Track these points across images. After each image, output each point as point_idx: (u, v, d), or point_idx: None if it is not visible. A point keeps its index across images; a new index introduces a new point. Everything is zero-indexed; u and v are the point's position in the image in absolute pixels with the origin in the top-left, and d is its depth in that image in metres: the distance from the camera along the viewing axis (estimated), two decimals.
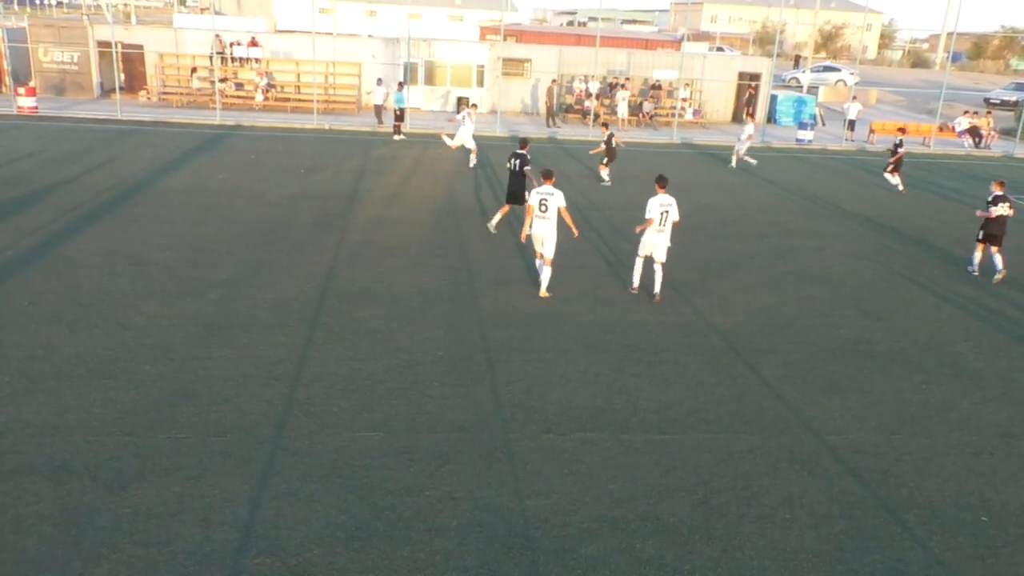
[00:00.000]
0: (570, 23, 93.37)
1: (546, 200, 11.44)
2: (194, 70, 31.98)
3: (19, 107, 27.39)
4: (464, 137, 21.47)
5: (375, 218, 15.86)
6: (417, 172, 21.10)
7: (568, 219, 11.54)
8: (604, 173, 20.71)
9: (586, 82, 33.89)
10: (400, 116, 26.84)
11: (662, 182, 11.69)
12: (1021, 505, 7.07)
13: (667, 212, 11.51)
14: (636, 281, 12.07)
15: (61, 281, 11.27)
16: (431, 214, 16.48)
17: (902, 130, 24.62)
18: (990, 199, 13.91)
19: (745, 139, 24.56)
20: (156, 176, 18.69)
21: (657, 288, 11.80)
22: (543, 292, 11.71)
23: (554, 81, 32.98)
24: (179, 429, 7.49)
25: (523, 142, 14.96)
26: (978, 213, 14.23)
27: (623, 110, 32.98)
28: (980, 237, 14.09)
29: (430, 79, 34.23)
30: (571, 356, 9.71)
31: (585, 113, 32.84)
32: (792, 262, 14.43)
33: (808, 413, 8.58)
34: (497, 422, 7.99)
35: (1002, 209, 13.71)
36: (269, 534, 6.09)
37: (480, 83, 34.41)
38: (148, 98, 32.12)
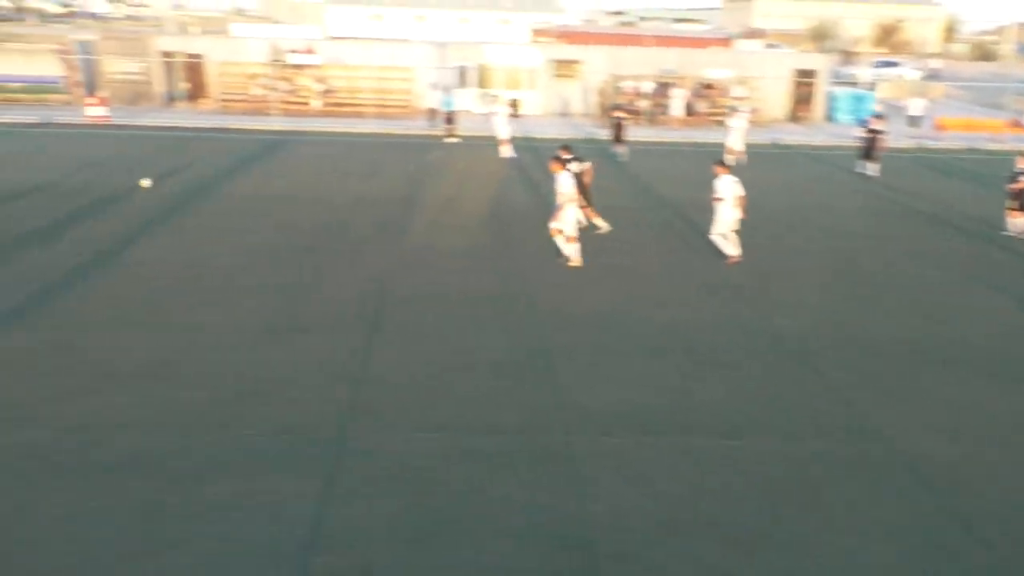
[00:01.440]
0: (621, 23, 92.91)
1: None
2: (253, 77, 32.77)
3: (90, 116, 28.52)
4: (498, 129, 24.12)
5: (430, 222, 16.06)
6: (469, 175, 21.27)
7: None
8: (619, 150, 24.40)
9: (638, 82, 33.76)
10: (450, 119, 27.08)
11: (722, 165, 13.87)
12: None
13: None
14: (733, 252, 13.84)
15: (134, 286, 11.73)
16: (481, 217, 16.59)
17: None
18: None
19: (737, 134, 23.86)
20: (219, 182, 19.23)
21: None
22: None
23: (606, 81, 32.95)
24: (247, 427, 7.72)
25: (566, 147, 14.88)
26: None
27: (677, 108, 32.74)
28: None
29: (483, 82, 34.44)
30: (628, 359, 9.68)
31: (638, 113, 32.65)
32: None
33: (875, 420, 8.40)
34: (556, 424, 8.02)
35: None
36: (335, 533, 6.22)
37: (532, 86, 34.53)
38: (209, 105, 33.01)
